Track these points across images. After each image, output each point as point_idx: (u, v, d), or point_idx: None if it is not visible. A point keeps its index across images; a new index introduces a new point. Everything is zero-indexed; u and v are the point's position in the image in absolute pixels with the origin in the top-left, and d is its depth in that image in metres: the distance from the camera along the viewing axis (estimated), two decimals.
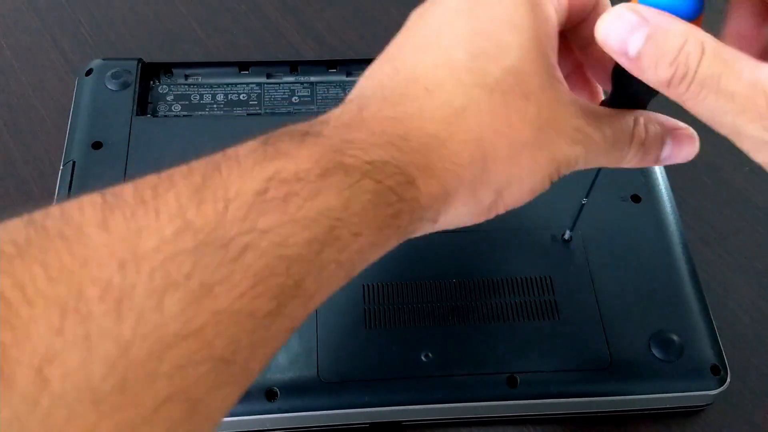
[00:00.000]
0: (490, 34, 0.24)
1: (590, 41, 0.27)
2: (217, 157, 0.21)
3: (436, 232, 0.28)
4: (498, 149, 0.24)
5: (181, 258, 0.18)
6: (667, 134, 0.28)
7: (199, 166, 0.21)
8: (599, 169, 0.34)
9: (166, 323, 0.17)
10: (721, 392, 0.37)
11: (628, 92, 0.27)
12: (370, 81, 0.26)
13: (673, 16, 0.22)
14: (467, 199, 0.24)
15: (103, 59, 0.47)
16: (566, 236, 0.40)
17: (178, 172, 0.20)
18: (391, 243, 0.23)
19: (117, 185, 0.20)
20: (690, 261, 0.40)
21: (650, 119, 0.28)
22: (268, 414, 0.35)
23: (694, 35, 0.22)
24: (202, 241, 0.18)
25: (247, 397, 0.35)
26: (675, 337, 0.37)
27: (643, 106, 0.28)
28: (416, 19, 0.27)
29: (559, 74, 0.25)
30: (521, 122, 0.24)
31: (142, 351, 0.16)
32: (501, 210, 0.26)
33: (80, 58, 0.52)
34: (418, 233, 0.24)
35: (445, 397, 0.36)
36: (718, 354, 0.37)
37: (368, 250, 0.22)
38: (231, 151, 0.21)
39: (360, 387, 0.36)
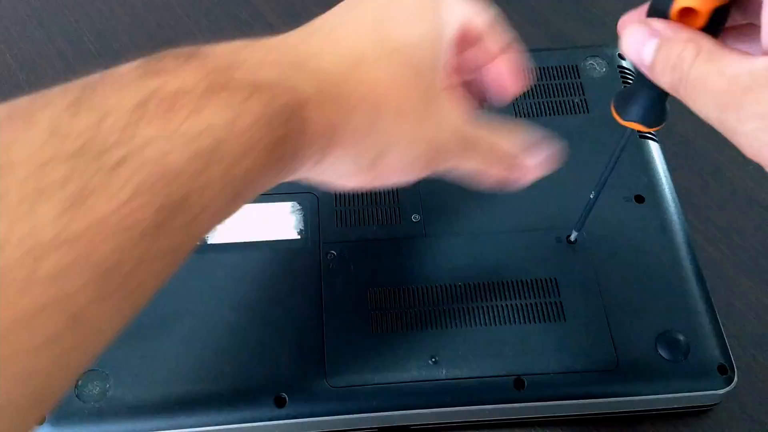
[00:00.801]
0: (398, 16, 0.27)
1: (470, 67, 0.31)
2: (96, 75, 0.20)
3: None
4: (387, 104, 0.25)
5: (54, 164, 0.17)
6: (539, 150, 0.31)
7: (76, 83, 0.20)
8: (612, 166, 0.34)
9: (41, 229, 0.17)
10: (728, 392, 0.37)
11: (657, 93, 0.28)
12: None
13: (681, 24, 0.24)
14: (350, 146, 0.25)
15: (107, 68, 0.48)
16: (572, 238, 0.40)
17: (55, 89, 0.20)
18: (280, 173, 0.23)
19: None
20: (695, 260, 0.40)
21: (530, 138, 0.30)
22: (277, 420, 0.35)
23: (695, 40, 0.23)
24: (77, 149, 0.18)
25: (256, 403, 0.35)
26: (681, 337, 0.37)
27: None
28: None
29: (448, 80, 0.28)
30: (411, 91, 0.26)
31: (15, 255, 0.16)
32: (379, 182, 0.27)
33: (84, 68, 0.52)
34: (304, 171, 0.24)
35: (453, 401, 0.36)
36: (725, 353, 0.37)
37: (256, 173, 0.21)
38: (111, 70, 0.21)
39: (368, 392, 0.36)
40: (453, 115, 0.27)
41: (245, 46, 0.23)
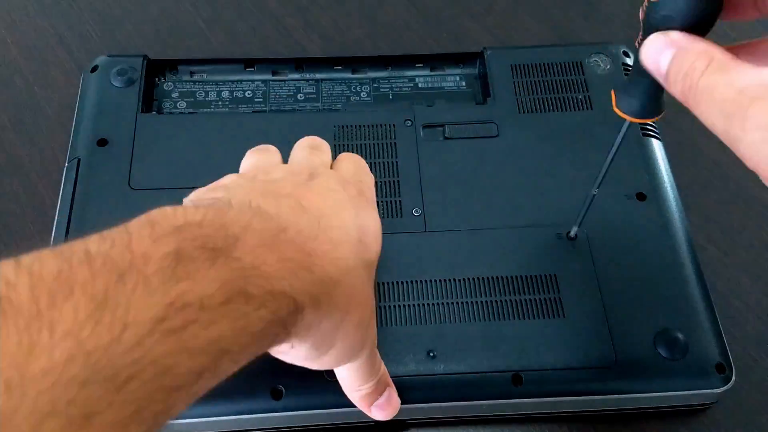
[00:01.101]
0: (367, 232, 0.31)
1: None
2: (125, 260, 0.20)
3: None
4: (354, 313, 0.28)
5: (68, 385, 0.17)
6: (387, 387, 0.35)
7: (102, 268, 0.20)
8: (612, 158, 0.34)
9: None
10: (726, 390, 0.37)
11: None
12: (273, 203, 0.27)
13: (698, 37, 0.25)
14: (310, 341, 0.28)
15: (109, 56, 0.47)
16: (572, 234, 0.40)
17: (80, 274, 0.19)
18: (254, 355, 0.24)
19: (15, 270, 0.19)
20: (695, 259, 0.40)
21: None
22: (274, 412, 0.35)
23: (708, 52, 0.24)
24: (92, 367, 0.18)
25: (253, 395, 0.35)
26: (680, 336, 0.37)
27: None
28: (302, 182, 0.31)
29: None
30: (369, 302, 0.30)
31: None
32: (325, 365, 0.31)
33: (86, 55, 0.53)
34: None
35: (450, 396, 0.36)
36: (723, 352, 0.37)
37: (244, 361, 0.23)
38: (140, 259, 0.20)
39: None
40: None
41: (268, 243, 0.24)
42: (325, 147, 0.36)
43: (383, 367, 0.34)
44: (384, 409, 0.34)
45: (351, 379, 0.33)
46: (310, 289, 0.25)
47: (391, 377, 0.35)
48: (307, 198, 0.29)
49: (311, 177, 0.31)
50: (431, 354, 0.36)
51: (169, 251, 0.21)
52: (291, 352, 0.29)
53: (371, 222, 0.32)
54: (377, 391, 0.34)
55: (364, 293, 0.30)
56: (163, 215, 0.23)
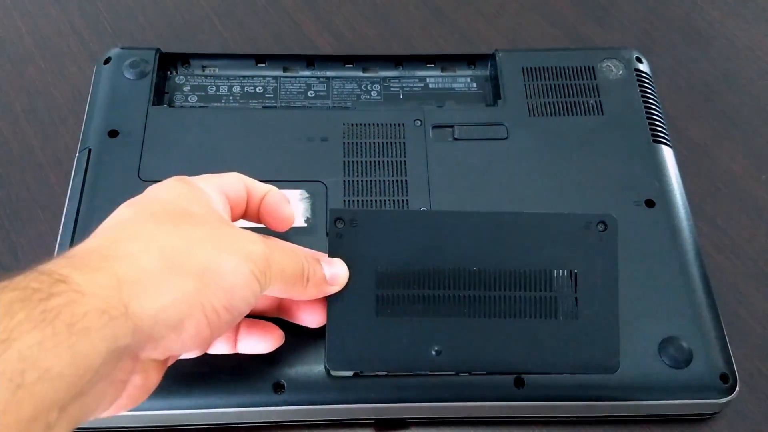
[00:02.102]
0: (147, 194, 0.31)
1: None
2: None
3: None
4: (172, 240, 0.28)
5: None
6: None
7: None
8: None
9: None
10: (729, 401, 0.36)
11: None
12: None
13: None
14: (157, 285, 0.26)
15: (122, 48, 0.48)
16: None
17: None
18: None
19: None
20: (702, 267, 0.40)
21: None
22: (275, 406, 0.35)
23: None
24: None
25: (254, 389, 0.35)
26: (685, 344, 0.37)
27: None
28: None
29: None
30: (191, 225, 0.29)
31: None
32: (222, 302, 0.28)
33: (99, 47, 0.53)
34: (107, 338, 0.25)
35: (452, 396, 0.36)
36: (728, 362, 0.37)
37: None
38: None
39: (367, 382, 0.36)
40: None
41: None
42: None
43: (295, 259, 0.32)
44: (335, 283, 0.34)
45: (287, 294, 0.32)
46: (66, 263, 0.24)
47: (393, 376, 0.35)
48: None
49: None
50: (436, 351, 0.35)
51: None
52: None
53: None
54: (318, 283, 0.33)
55: (166, 231, 0.28)
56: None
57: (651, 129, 0.45)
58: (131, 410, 0.34)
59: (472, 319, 0.35)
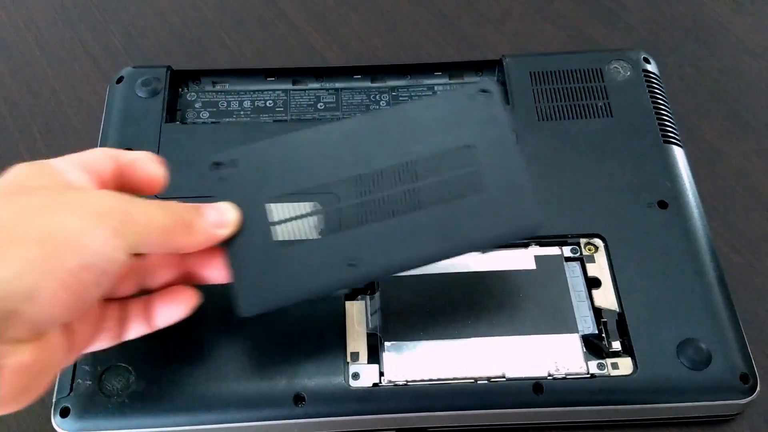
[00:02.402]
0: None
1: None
2: None
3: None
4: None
5: None
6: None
7: None
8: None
9: None
10: (751, 401, 0.36)
11: None
12: None
13: None
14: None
15: (134, 67, 0.48)
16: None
17: None
18: None
19: None
20: (718, 268, 0.40)
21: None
22: (296, 419, 0.36)
23: None
24: None
25: (275, 401, 0.35)
26: (703, 345, 0.37)
27: None
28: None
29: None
30: (21, 191, 0.28)
31: None
32: (75, 263, 0.26)
33: (112, 67, 0.54)
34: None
35: (471, 404, 0.36)
36: (748, 362, 0.37)
37: None
38: None
39: (387, 393, 0.36)
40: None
41: None
42: None
43: (168, 208, 0.31)
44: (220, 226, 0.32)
45: (173, 247, 0.31)
46: None
47: (412, 385, 0.36)
48: None
49: None
50: (351, 264, 0.33)
51: None
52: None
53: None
54: (205, 229, 0.32)
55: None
56: None
57: (661, 129, 0.45)
58: (151, 428, 0.35)
59: (380, 223, 0.33)
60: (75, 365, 0.36)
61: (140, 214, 0.29)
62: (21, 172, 0.29)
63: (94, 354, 0.33)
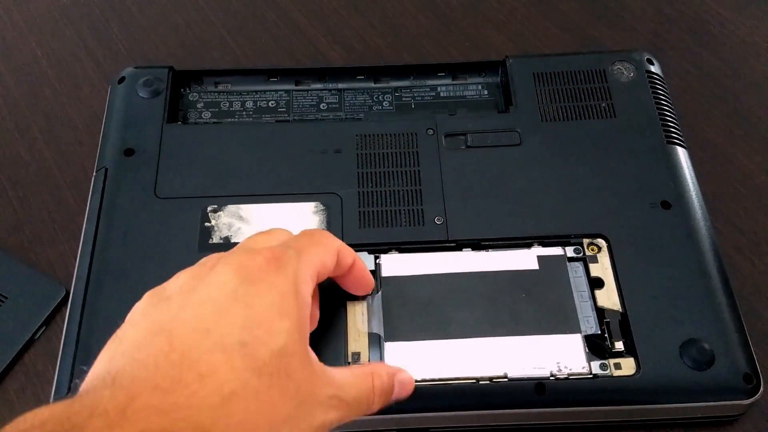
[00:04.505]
0: (262, 321, 0.27)
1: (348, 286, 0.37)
2: None
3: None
4: (259, 428, 0.25)
5: None
6: (393, 378, 0.33)
7: None
8: None
9: None
10: (754, 402, 0.36)
11: None
12: (142, 354, 0.25)
13: None
14: None
15: (135, 67, 0.48)
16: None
17: None
18: None
19: None
20: (722, 268, 0.39)
21: (380, 372, 0.32)
22: None
23: None
24: None
25: None
26: (706, 346, 0.36)
27: None
28: (188, 293, 0.28)
29: (312, 353, 0.29)
30: (283, 400, 0.26)
31: None
32: None
33: (113, 67, 0.54)
34: None
35: (473, 404, 0.36)
36: (751, 362, 0.36)
37: None
38: None
39: None
40: (325, 392, 0.28)
41: (116, 421, 0.22)
42: (276, 233, 0.33)
43: (365, 385, 0.31)
44: (401, 394, 0.33)
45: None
46: None
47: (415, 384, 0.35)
48: (180, 321, 0.26)
49: (208, 272, 0.28)
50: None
51: None
52: None
53: (263, 308, 0.27)
54: (383, 396, 0.32)
55: (265, 399, 0.25)
56: (15, 425, 0.22)
57: (664, 130, 0.45)
58: None
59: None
60: (72, 365, 0.36)
61: (352, 410, 0.30)
62: (291, 334, 0.27)
63: (91, 354, 0.33)
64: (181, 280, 0.29)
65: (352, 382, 0.30)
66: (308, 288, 0.30)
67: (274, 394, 0.26)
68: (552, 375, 0.36)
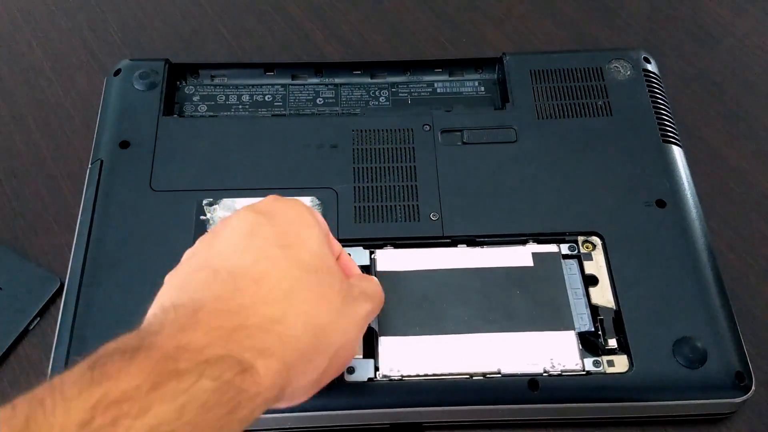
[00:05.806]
0: (289, 232, 0.30)
1: None
2: (43, 389, 0.21)
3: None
4: (322, 316, 0.28)
5: None
6: None
7: (23, 403, 0.20)
8: None
9: None
10: (745, 400, 0.36)
11: None
12: (193, 284, 0.28)
13: None
14: (305, 367, 0.27)
15: (131, 60, 0.48)
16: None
17: (2, 413, 0.20)
18: (241, 424, 0.24)
19: None
20: (715, 267, 0.40)
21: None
22: (290, 413, 0.35)
23: None
24: None
25: None
26: (699, 344, 0.37)
27: None
28: (212, 236, 0.30)
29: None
30: (332, 293, 0.30)
31: None
32: (335, 373, 0.31)
33: (109, 59, 0.53)
34: (260, 413, 0.26)
35: (466, 400, 0.36)
36: (743, 361, 0.37)
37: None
38: (57, 380, 0.21)
39: (382, 387, 0.36)
40: (357, 288, 0.32)
41: (188, 325, 0.24)
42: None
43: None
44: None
45: None
46: (250, 342, 0.25)
47: (407, 379, 0.35)
48: (216, 252, 0.29)
49: (226, 220, 0.31)
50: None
51: (85, 364, 0.22)
52: (296, 394, 0.29)
53: (286, 224, 0.31)
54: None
55: (318, 292, 0.29)
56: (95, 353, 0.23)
57: (660, 129, 0.45)
58: None
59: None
60: (67, 356, 0.36)
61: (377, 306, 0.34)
62: (321, 240, 0.31)
63: (85, 345, 0.33)
64: (204, 236, 0.32)
65: (366, 283, 0.33)
66: (316, 215, 0.33)
67: (324, 287, 0.29)
68: (545, 371, 0.36)
